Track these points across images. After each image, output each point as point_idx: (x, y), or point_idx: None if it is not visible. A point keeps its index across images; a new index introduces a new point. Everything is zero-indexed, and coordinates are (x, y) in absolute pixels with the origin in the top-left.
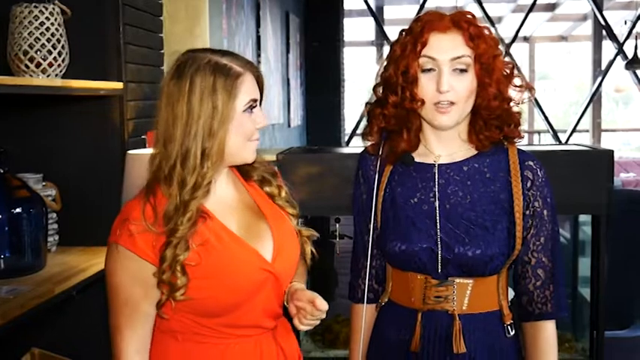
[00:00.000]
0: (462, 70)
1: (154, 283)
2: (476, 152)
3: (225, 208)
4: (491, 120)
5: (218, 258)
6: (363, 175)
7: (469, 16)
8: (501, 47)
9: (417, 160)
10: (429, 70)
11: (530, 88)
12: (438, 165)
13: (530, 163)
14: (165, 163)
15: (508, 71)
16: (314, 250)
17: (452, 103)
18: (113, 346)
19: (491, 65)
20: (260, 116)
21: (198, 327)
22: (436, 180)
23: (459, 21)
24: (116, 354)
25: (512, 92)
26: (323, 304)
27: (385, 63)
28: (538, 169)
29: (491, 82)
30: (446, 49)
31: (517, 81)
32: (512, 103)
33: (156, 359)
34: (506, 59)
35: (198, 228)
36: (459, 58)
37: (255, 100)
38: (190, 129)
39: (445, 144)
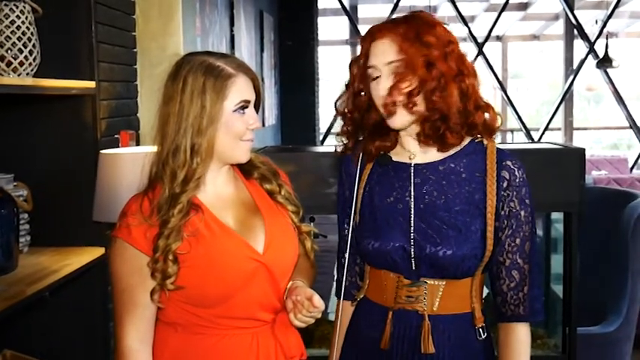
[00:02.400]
0: (398, 74)
1: (148, 273)
2: (453, 151)
3: (223, 203)
4: (426, 124)
5: (207, 247)
6: (345, 171)
7: (405, 21)
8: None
9: (394, 159)
10: (377, 77)
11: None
12: (414, 165)
13: (509, 162)
14: (159, 159)
15: (446, 76)
16: (315, 246)
17: (395, 105)
18: (115, 332)
19: (416, 70)
20: (252, 117)
21: (195, 318)
22: (412, 179)
23: (392, 27)
24: (117, 340)
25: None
26: (320, 302)
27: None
28: (516, 169)
29: (419, 85)
30: (379, 54)
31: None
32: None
33: (156, 349)
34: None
35: (190, 219)
36: (390, 62)
37: (247, 101)
38: (180, 126)
39: (416, 142)
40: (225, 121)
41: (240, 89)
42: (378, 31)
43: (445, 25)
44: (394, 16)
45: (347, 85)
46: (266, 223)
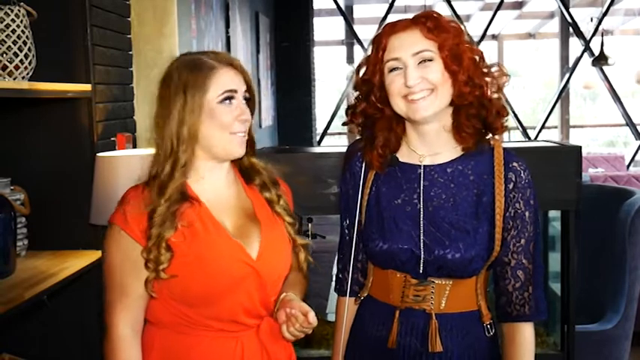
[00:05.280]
0: (428, 61)
1: (142, 262)
2: (461, 153)
3: (222, 206)
4: (469, 109)
5: (200, 243)
6: (349, 170)
7: (428, 14)
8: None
9: (401, 160)
10: (395, 69)
11: (503, 74)
12: (423, 166)
13: (515, 164)
14: (154, 152)
15: (478, 58)
16: (310, 259)
17: (431, 91)
18: (106, 321)
19: (457, 53)
20: (239, 108)
21: (181, 316)
22: (421, 182)
23: (416, 18)
24: (109, 327)
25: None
26: (314, 319)
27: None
28: (522, 171)
29: (460, 69)
30: (406, 45)
31: (491, 68)
32: (494, 95)
33: (144, 350)
34: (475, 48)
35: (184, 210)
36: (420, 52)
37: (231, 91)
38: (167, 120)
39: (429, 142)
40: (210, 112)
41: (222, 81)
42: (398, 24)
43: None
44: (390, 15)
45: (357, 85)
46: (262, 231)
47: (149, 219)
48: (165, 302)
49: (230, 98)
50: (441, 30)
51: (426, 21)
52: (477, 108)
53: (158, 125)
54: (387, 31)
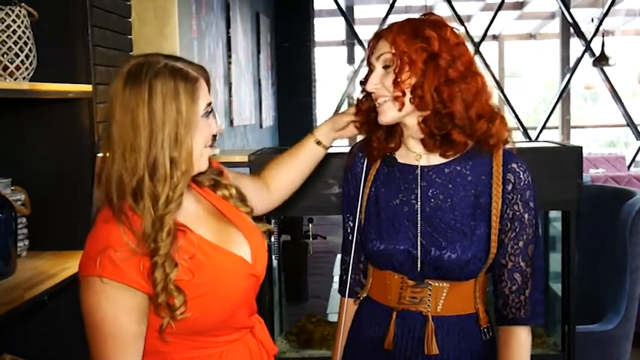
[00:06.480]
0: (386, 67)
1: (146, 309)
2: (459, 153)
3: (194, 219)
4: (431, 120)
5: (209, 273)
6: (351, 171)
7: (407, 20)
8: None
9: (400, 160)
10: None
11: (479, 88)
12: (421, 167)
13: (514, 165)
14: (129, 177)
15: (451, 70)
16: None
17: (393, 98)
18: None
19: (412, 59)
20: (215, 122)
21: (191, 344)
22: (418, 182)
23: (391, 25)
24: None
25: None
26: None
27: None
28: (521, 172)
29: (411, 77)
30: (375, 51)
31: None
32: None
33: None
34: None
35: (180, 243)
36: (381, 55)
37: (210, 105)
38: (156, 137)
39: (420, 143)
40: (199, 127)
41: (205, 92)
42: (381, 31)
43: (456, 30)
44: (391, 16)
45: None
46: (244, 232)
47: (152, 261)
48: (171, 339)
49: (209, 112)
50: (402, 36)
51: (393, 26)
52: (441, 120)
53: (135, 141)
54: (375, 36)
